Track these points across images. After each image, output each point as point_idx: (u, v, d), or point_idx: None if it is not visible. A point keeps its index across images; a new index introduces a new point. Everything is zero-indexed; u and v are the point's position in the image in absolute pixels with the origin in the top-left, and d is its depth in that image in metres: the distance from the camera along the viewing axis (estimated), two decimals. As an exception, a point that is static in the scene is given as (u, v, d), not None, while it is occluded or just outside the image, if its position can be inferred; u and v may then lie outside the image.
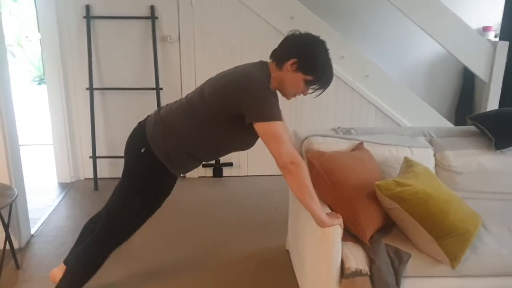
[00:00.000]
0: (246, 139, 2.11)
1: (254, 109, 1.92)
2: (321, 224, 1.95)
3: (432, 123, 4.05)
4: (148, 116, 2.23)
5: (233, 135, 2.05)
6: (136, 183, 2.13)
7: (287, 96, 2.10)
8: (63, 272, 2.23)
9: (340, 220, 2.00)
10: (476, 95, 4.73)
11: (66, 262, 2.39)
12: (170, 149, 2.05)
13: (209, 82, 2.11)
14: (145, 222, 2.20)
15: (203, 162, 2.26)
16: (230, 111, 1.98)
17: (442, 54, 4.69)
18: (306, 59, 1.99)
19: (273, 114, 1.92)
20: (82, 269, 2.20)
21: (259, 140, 2.01)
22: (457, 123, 4.77)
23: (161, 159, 2.06)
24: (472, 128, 2.76)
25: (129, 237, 2.22)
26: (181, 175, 2.18)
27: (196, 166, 2.21)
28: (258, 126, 1.92)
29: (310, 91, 2.08)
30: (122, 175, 2.20)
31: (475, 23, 4.64)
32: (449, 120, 4.48)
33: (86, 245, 2.21)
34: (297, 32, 2.05)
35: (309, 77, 2.01)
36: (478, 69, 4.00)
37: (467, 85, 4.82)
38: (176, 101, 2.18)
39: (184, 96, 2.19)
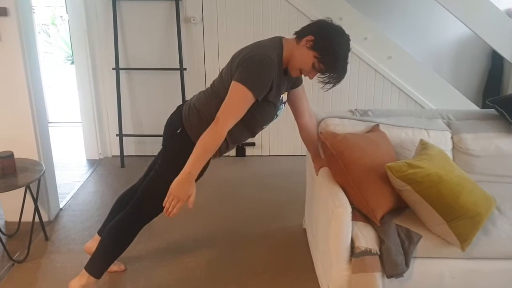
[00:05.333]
0: (265, 112, 2.12)
1: (241, 70, 1.95)
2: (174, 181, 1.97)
3: (457, 106, 4.00)
4: (187, 100, 2.31)
5: (251, 110, 2.04)
6: (172, 162, 2.20)
7: (292, 69, 2.06)
8: (97, 243, 2.33)
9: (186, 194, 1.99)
10: (505, 78, 4.62)
11: (100, 233, 2.52)
12: (202, 132, 2.11)
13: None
14: None
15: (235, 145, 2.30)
16: None
17: (469, 36, 4.59)
18: (323, 41, 1.96)
19: (251, 83, 1.92)
20: (115, 242, 2.29)
21: (282, 121, 2.00)
22: (483, 106, 4.69)
23: (194, 141, 2.11)
24: (492, 111, 2.74)
25: (159, 213, 2.28)
26: (214, 157, 2.22)
27: (227, 149, 2.25)
28: (232, 84, 1.95)
29: (318, 81, 2.03)
30: (160, 153, 2.30)
31: (504, 4, 4.51)
32: (476, 103, 4.41)
33: (119, 219, 2.29)
34: (330, 20, 2.03)
35: (319, 62, 1.96)
36: (505, 51, 3.91)
37: (495, 67, 4.72)
38: (207, 88, 2.25)
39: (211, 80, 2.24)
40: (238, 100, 1.95)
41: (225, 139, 2.17)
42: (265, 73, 1.96)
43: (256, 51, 1.98)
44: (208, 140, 1.97)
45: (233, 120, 1.97)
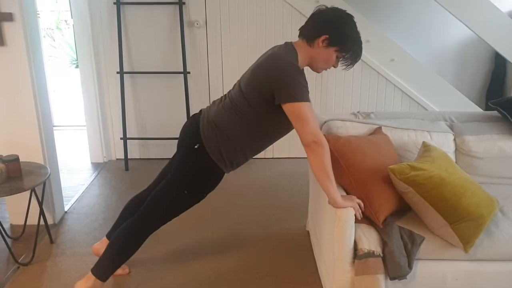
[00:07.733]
0: (288, 123, 2.12)
1: (282, 89, 1.97)
2: (334, 204, 2.02)
3: (461, 108, 4.00)
4: (201, 110, 2.29)
5: (276, 123, 2.10)
6: (187, 176, 2.20)
7: (318, 70, 2.15)
8: (105, 246, 2.34)
9: (354, 203, 2.05)
10: (508, 80, 4.62)
11: (108, 236, 2.53)
12: (222, 149, 2.13)
13: (243, 76, 2.17)
14: (186, 210, 2.30)
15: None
16: (264, 97, 2.02)
17: (472, 38, 4.59)
18: (337, 34, 2.02)
19: (300, 95, 1.96)
20: (122, 248, 2.30)
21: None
22: (486, 108, 4.69)
23: (214, 158, 2.13)
24: (495, 113, 2.74)
25: (167, 222, 2.33)
26: (228, 171, 2.24)
27: (245, 162, 2.26)
28: (286, 107, 1.97)
29: (341, 65, 2.13)
30: (173, 162, 2.29)
31: (507, 5, 4.50)
32: (479, 105, 4.41)
33: (129, 224, 2.30)
34: (324, 7, 2.08)
35: (340, 52, 2.05)
36: (508, 53, 3.90)
37: (499, 69, 4.71)
38: (221, 99, 2.23)
39: (224, 90, 2.26)
40: (302, 115, 1.97)
41: (244, 154, 2.19)
42: (299, 77, 1.99)
43: (278, 62, 2.01)
44: (322, 163, 2.00)
45: (315, 127, 1.99)
